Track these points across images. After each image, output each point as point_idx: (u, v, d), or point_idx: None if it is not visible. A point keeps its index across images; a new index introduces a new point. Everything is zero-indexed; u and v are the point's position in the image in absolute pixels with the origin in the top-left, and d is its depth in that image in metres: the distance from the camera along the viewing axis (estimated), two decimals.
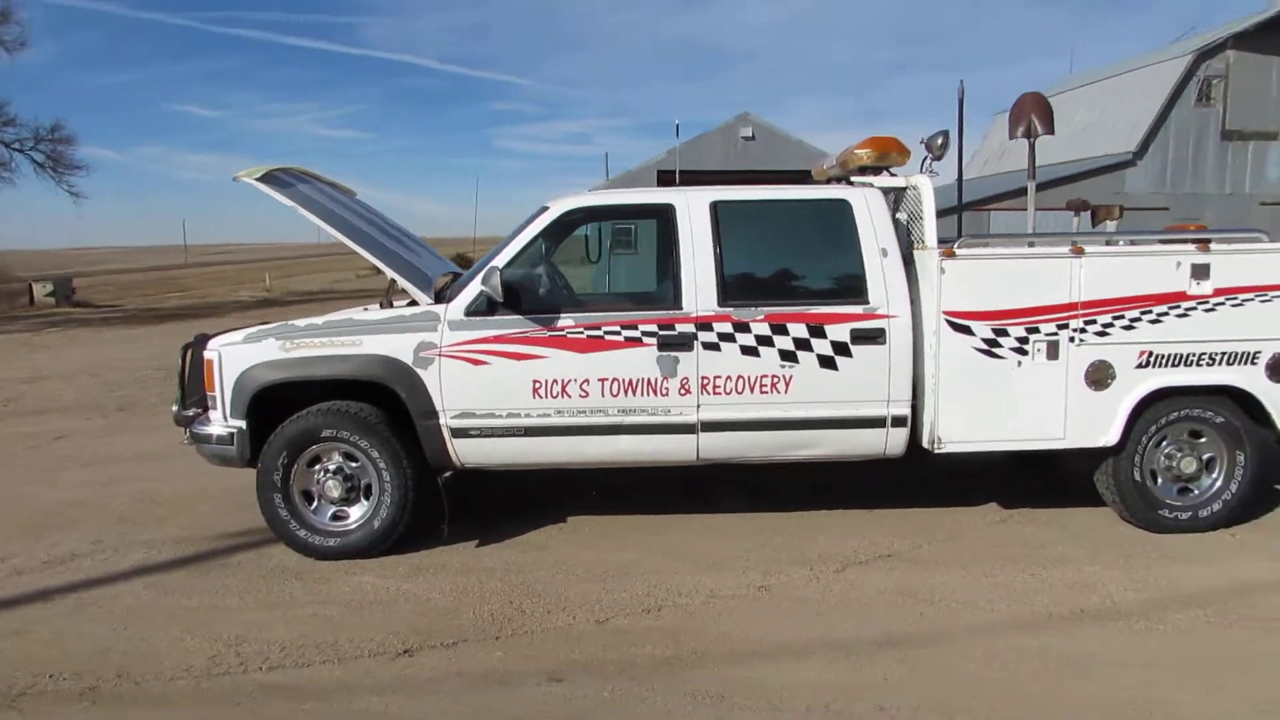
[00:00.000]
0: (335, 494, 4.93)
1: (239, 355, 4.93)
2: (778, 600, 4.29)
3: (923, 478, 6.11)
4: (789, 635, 3.90)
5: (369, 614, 4.21)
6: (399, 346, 4.85)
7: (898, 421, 5.00)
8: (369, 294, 34.36)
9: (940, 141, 5.31)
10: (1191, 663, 3.57)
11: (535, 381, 4.85)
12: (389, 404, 4.94)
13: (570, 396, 4.87)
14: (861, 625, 3.98)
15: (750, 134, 27.10)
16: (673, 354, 4.86)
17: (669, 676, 3.53)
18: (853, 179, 5.44)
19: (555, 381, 4.86)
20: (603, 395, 4.87)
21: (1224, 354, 5.00)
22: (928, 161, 5.43)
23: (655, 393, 4.88)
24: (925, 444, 5.04)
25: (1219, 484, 5.14)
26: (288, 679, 3.59)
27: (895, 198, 5.37)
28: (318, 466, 4.95)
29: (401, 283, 5.08)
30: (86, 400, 11.06)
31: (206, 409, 5.21)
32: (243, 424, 4.90)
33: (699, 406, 4.91)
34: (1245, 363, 5.02)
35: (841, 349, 4.91)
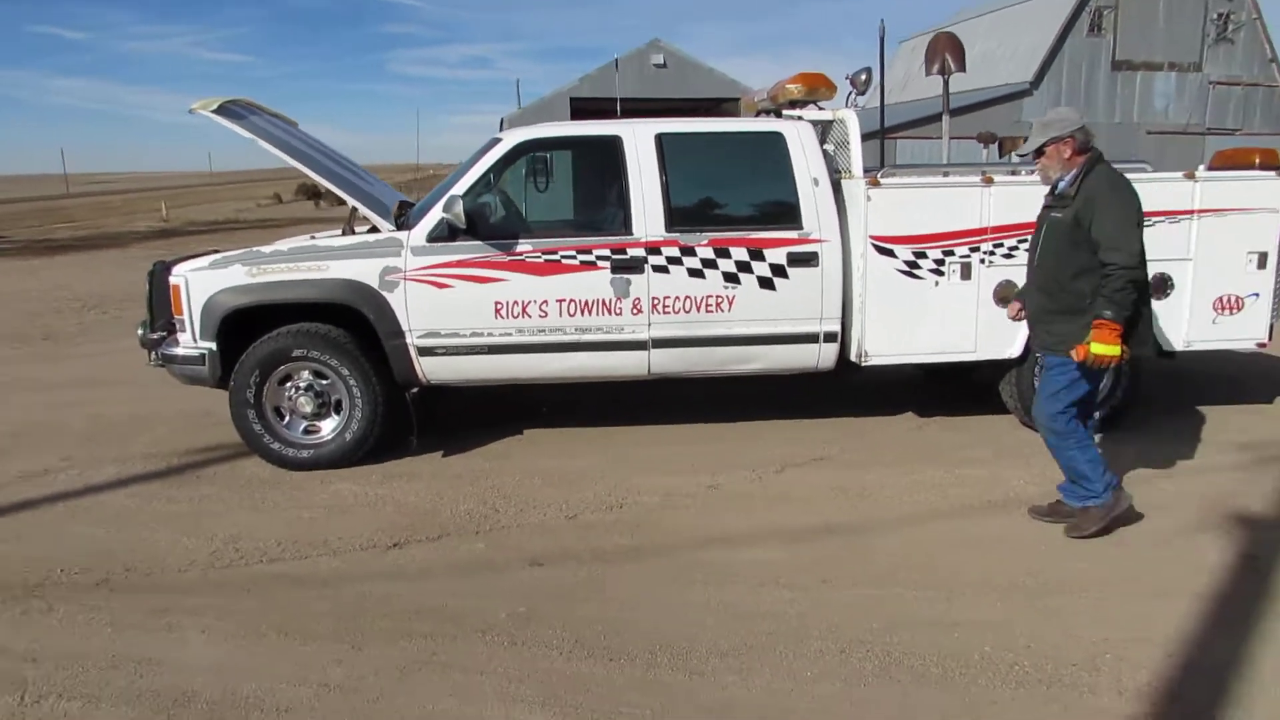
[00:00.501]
0: (307, 409, 5.20)
1: (206, 280, 5.10)
2: (725, 497, 4.80)
3: (848, 391, 6.69)
4: (738, 525, 4.41)
5: (353, 515, 4.55)
6: (365, 271, 5.10)
7: (829, 337, 5.51)
8: (277, 223, 33.45)
9: (864, 78, 5.74)
10: (1077, 541, 4.21)
11: (497, 303, 5.18)
12: (354, 325, 5.20)
13: (530, 316, 5.21)
14: (802, 516, 4.52)
15: (662, 61, 27.13)
16: (625, 276, 5.23)
17: (635, 560, 4.01)
18: (783, 112, 5.83)
19: (515, 303, 5.19)
20: (560, 315, 5.23)
21: None
22: (852, 96, 5.87)
23: (609, 312, 5.26)
24: (853, 358, 5.58)
25: (1106, 389, 5.83)
26: (289, 570, 3.93)
27: (823, 130, 5.79)
28: (289, 384, 5.20)
29: (364, 210, 5.29)
30: (6, 330, 10.82)
31: (173, 332, 5.37)
32: (213, 345, 5.10)
33: (650, 325, 5.32)
34: None
35: (779, 271, 5.36)
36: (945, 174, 5.91)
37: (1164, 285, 5.65)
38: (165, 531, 4.36)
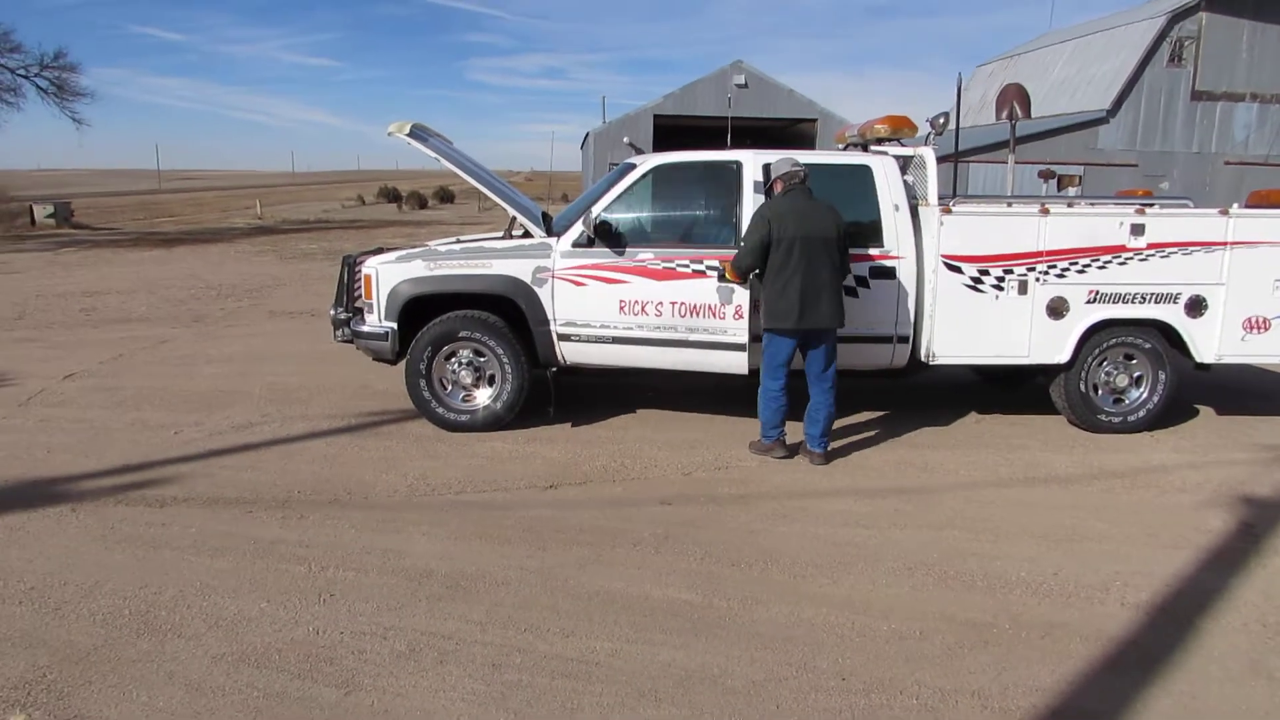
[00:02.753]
0: (466, 381, 6.35)
1: (392, 272, 6.29)
2: (811, 465, 5.80)
3: (917, 393, 7.63)
4: (823, 485, 5.42)
5: (511, 465, 5.67)
6: (521, 269, 6.23)
7: (902, 339, 6.47)
8: (363, 224, 35.23)
9: (943, 121, 6.70)
10: (1106, 509, 5.12)
11: (620, 301, 6.24)
12: (508, 313, 6.33)
13: (647, 314, 6.27)
14: (875, 481, 5.51)
15: (743, 81, 28.20)
16: (729, 284, 6.26)
17: (743, 504, 5.04)
18: (871, 147, 6.83)
19: (636, 302, 6.24)
20: (673, 315, 6.28)
21: (1153, 294, 6.51)
22: (931, 136, 6.83)
23: (714, 315, 6.29)
24: (922, 358, 6.54)
25: (1145, 396, 6.69)
26: (473, 499, 5.05)
27: (904, 163, 6.76)
28: (453, 360, 6.36)
29: (521, 219, 6.44)
30: (159, 313, 12.31)
31: (358, 313, 6.58)
32: (394, 325, 6.29)
33: (749, 328, 6.34)
34: (1169, 302, 6.52)
35: (862, 281, 6.35)
36: (1009, 204, 6.83)
37: (1199, 305, 6.51)
38: (366, 470, 5.53)
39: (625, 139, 28.67)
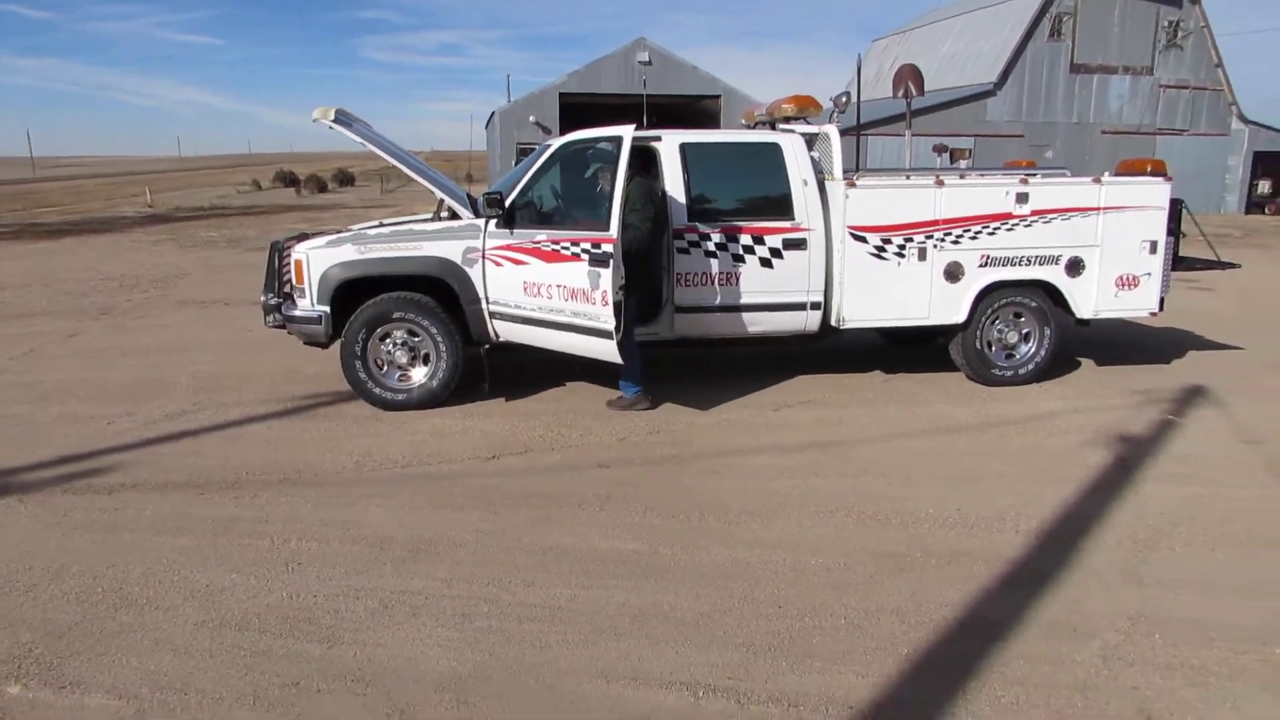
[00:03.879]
0: (402, 361, 6.53)
1: (324, 256, 6.40)
2: (736, 426, 6.21)
3: (828, 357, 8.13)
4: (749, 443, 5.83)
5: (452, 439, 5.90)
6: (452, 250, 6.42)
7: (814, 306, 6.93)
8: (261, 209, 34.28)
9: (845, 100, 7.17)
10: (1002, 452, 5.67)
11: (524, 282, 6.40)
12: (439, 294, 6.52)
13: (542, 296, 6.44)
14: (794, 437, 5.94)
15: (647, 58, 28.46)
16: (596, 269, 6.46)
17: (677, 464, 5.41)
18: (779, 126, 7.24)
19: (534, 284, 6.38)
20: (560, 299, 6.54)
21: (1037, 257, 7.13)
22: (834, 114, 7.28)
23: (587, 300, 6.50)
24: (833, 322, 7.01)
25: (1033, 350, 7.33)
26: (419, 472, 5.28)
27: (810, 140, 7.19)
28: (387, 340, 6.52)
29: (450, 202, 6.62)
30: (61, 307, 11.94)
31: (288, 298, 6.67)
32: (327, 309, 6.41)
33: (673, 295, 6.70)
34: (1051, 264, 7.16)
35: (775, 253, 6.77)
36: (907, 177, 7.33)
37: (1078, 266, 7.16)
38: (311, 451, 5.68)
39: (531, 118, 28.71)
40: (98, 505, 4.75)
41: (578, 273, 5.93)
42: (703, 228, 6.68)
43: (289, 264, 6.65)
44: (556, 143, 6.70)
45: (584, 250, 5.91)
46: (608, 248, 5.78)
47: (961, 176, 7.44)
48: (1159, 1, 30.48)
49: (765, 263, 6.77)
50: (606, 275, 5.78)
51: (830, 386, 7.28)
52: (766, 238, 6.75)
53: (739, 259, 6.74)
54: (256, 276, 14.52)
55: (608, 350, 5.91)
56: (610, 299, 5.80)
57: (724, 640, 3.41)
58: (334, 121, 6.39)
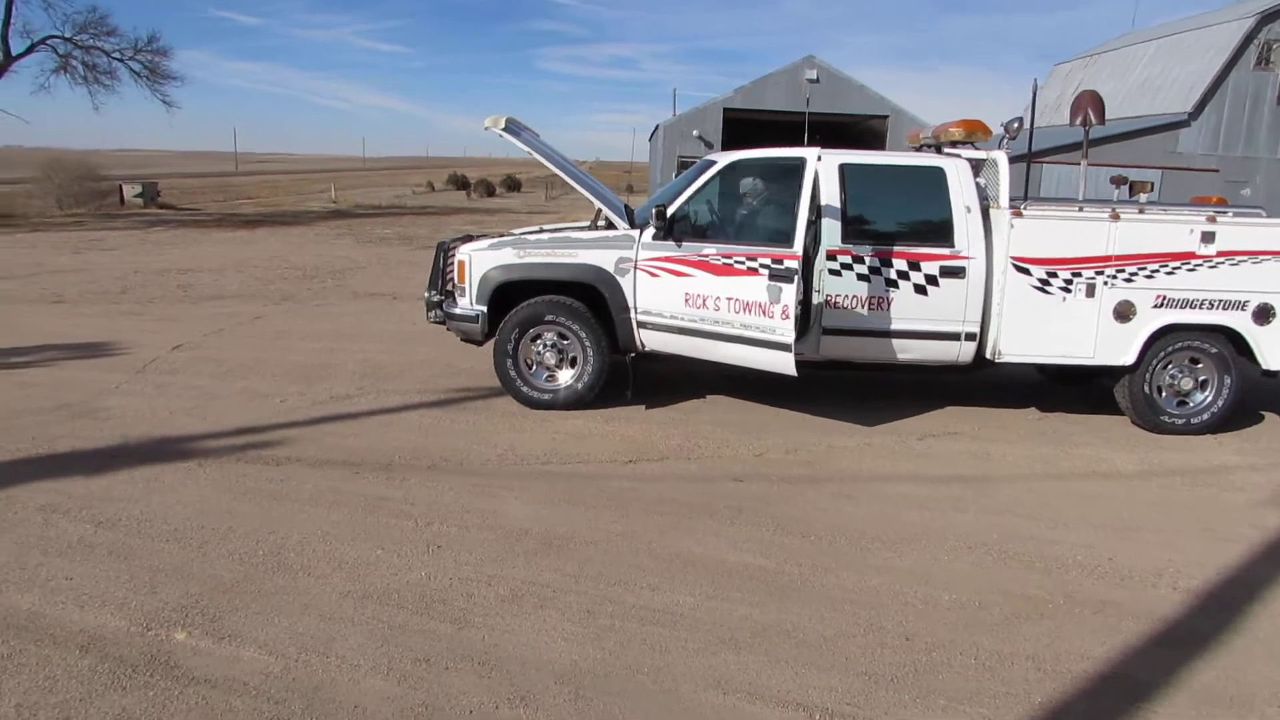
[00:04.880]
0: (550, 362, 6.76)
1: (485, 258, 6.72)
2: (877, 452, 6.08)
3: (980, 387, 7.83)
4: (888, 470, 5.70)
5: (592, 441, 6.06)
6: (605, 259, 6.61)
7: (969, 337, 6.70)
8: (434, 209, 36.07)
9: (1016, 126, 6.90)
10: (1164, 503, 5.31)
11: (686, 294, 6.52)
12: (590, 300, 6.71)
13: (707, 308, 6.51)
14: (937, 468, 5.77)
15: (815, 76, 28.19)
16: (777, 284, 6.48)
17: (812, 484, 5.35)
18: (945, 149, 7.05)
19: (698, 295, 6.48)
20: (729, 310, 6.58)
21: (1221, 301, 6.63)
22: (1005, 140, 7.03)
23: (764, 314, 6.54)
24: (988, 355, 6.75)
25: (1209, 399, 6.81)
26: (558, 470, 5.45)
27: (977, 166, 6.97)
28: (538, 342, 6.77)
29: (606, 212, 6.82)
30: (250, 291, 13.00)
31: (449, 296, 7.04)
32: (484, 309, 6.72)
33: (823, 316, 6.64)
34: (1237, 309, 6.64)
35: (932, 280, 6.59)
36: (1080, 208, 6.98)
37: (1268, 314, 6.61)
38: (459, 440, 5.97)
39: (695, 132, 28.99)
40: (265, 475, 5.16)
41: (754, 287, 6.09)
42: (857, 250, 6.59)
43: (453, 264, 7.01)
44: (723, 160, 6.78)
45: (763, 265, 6.07)
46: (791, 264, 5.92)
47: (1140, 211, 7.02)
48: None
49: (920, 289, 6.60)
50: (789, 290, 5.91)
51: (980, 419, 7.01)
52: (923, 264, 6.58)
53: (892, 284, 6.60)
54: (424, 273, 15.38)
55: (782, 362, 6.02)
56: (791, 313, 5.91)
57: (846, 666, 3.36)
58: (504, 130, 6.70)
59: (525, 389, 6.77)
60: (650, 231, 6.61)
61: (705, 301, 6.40)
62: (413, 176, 78.84)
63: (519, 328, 6.70)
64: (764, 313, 6.07)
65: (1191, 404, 6.86)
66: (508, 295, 6.77)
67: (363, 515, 4.62)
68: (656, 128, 30.83)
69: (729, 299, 6.26)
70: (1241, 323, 6.66)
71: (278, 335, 9.60)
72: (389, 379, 7.63)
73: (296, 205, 39.75)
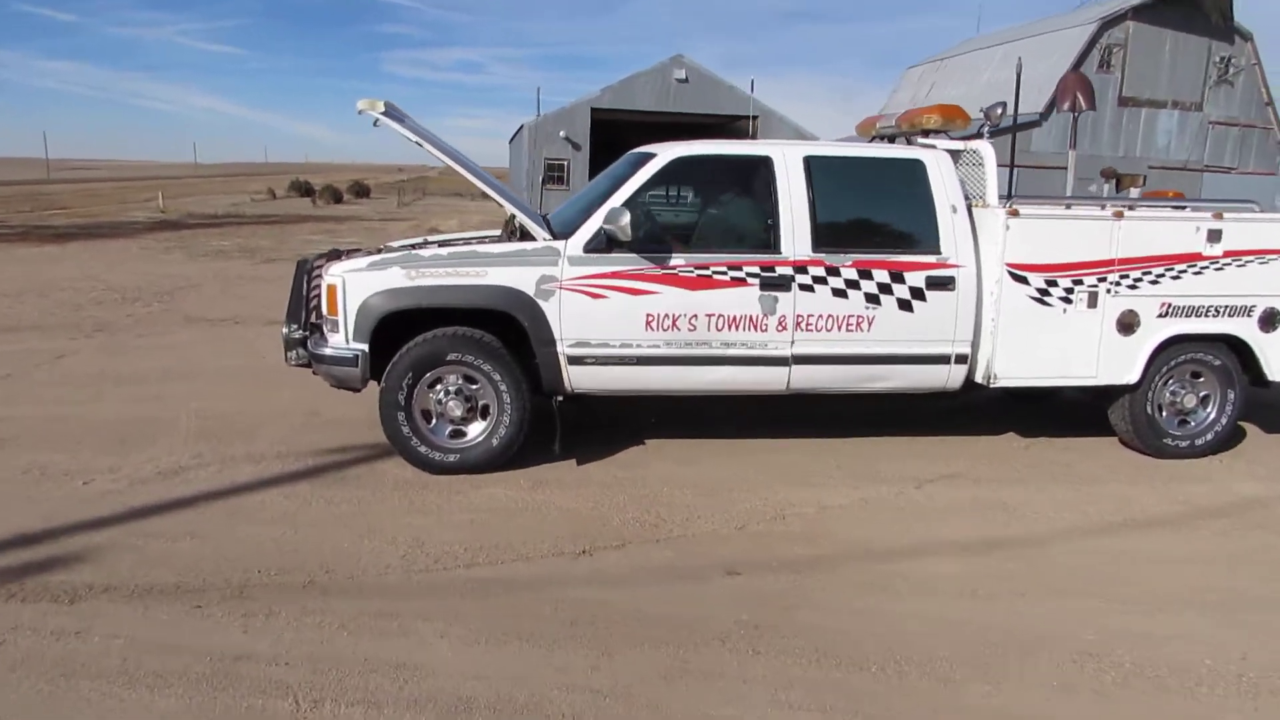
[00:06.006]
0: (456, 413, 5.23)
1: (364, 281, 5.13)
2: (877, 510, 4.91)
3: (930, 408, 6.80)
4: (904, 538, 4.52)
5: (522, 520, 4.60)
6: (522, 278, 5.15)
7: (960, 359, 5.64)
8: (276, 218, 33.23)
9: (1000, 111, 5.91)
10: (1238, 559, 4.37)
11: (648, 315, 5.25)
12: (504, 331, 5.25)
13: (679, 329, 5.29)
14: (959, 530, 4.64)
15: (684, 76, 27.37)
16: (772, 294, 5.33)
17: (829, 572, 4.09)
18: (918, 140, 5.97)
19: (665, 315, 5.26)
20: (708, 329, 5.32)
21: (1226, 307, 5.84)
22: (985, 127, 6.02)
23: (755, 328, 5.35)
24: (979, 379, 5.71)
25: (1212, 417, 6.02)
26: (490, 574, 3.97)
27: (952, 158, 5.93)
28: (438, 387, 5.24)
29: (522, 218, 5.35)
30: (54, 320, 10.70)
31: (316, 331, 5.41)
32: (364, 347, 5.13)
33: (793, 342, 5.42)
34: (1242, 315, 5.87)
35: (918, 294, 5.49)
36: (1068, 206, 6.06)
37: (1274, 319, 5.86)
38: (342, 534, 4.38)
39: (561, 133, 27.61)
40: (53, 624, 3.43)
41: (743, 299, 5.30)
42: (831, 260, 5.40)
43: (320, 288, 5.39)
44: (666, 154, 5.44)
45: (752, 275, 5.29)
46: (784, 270, 5.30)
47: (1130, 209, 6.17)
48: (1211, 37, 29.41)
49: (904, 305, 5.49)
50: (786, 299, 5.32)
51: (966, 453, 5.98)
52: (907, 275, 5.47)
53: (873, 300, 5.45)
54: (271, 291, 13.31)
55: (774, 380, 5.46)
56: (790, 325, 5.34)
57: None
58: (383, 114, 5.15)
59: (423, 449, 5.23)
60: (580, 241, 5.22)
61: (677, 322, 5.22)
62: (252, 183, 73.66)
63: (413, 371, 5.15)
64: (756, 327, 5.34)
65: (1193, 423, 6.06)
66: (396, 329, 5.21)
67: (210, 696, 3.01)
68: (520, 128, 29.25)
69: (710, 315, 5.26)
70: (1247, 330, 5.90)
71: (87, 380, 7.58)
72: (236, 439, 5.89)
73: (118, 215, 35.72)
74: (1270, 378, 5.99)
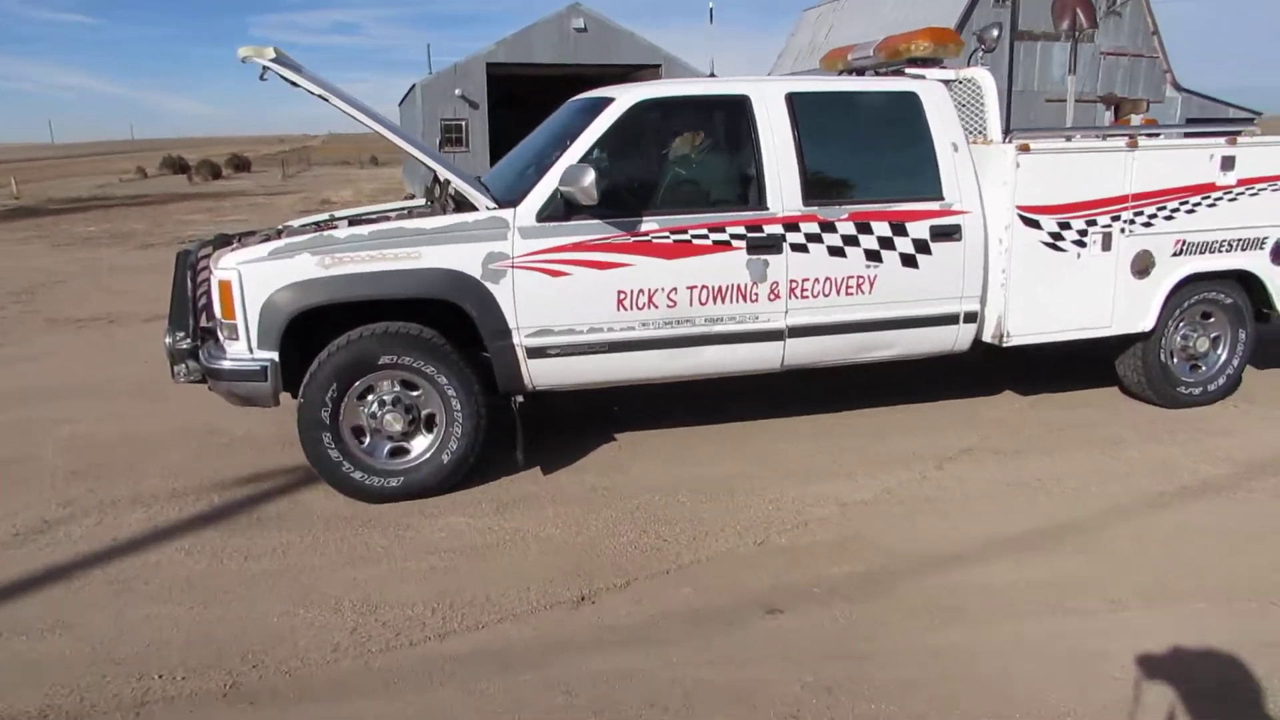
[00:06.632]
0: (396, 427, 4.29)
1: (266, 274, 4.10)
2: (904, 502, 4.22)
3: (908, 369, 6.10)
4: (953, 537, 3.83)
5: (497, 560, 3.72)
6: (466, 258, 4.21)
7: (969, 317, 4.98)
8: (150, 199, 30.76)
9: (996, 34, 5.21)
10: None
11: (620, 292, 4.40)
12: (441, 322, 4.33)
13: (657, 307, 4.45)
14: (1007, 522, 3.98)
15: (582, 25, 26.08)
16: (762, 257, 4.54)
17: (883, 594, 3.37)
18: (906, 70, 5.22)
19: (641, 291, 4.42)
20: (690, 304, 4.50)
21: (1239, 240, 5.34)
22: (978, 54, 5.32)
23: (744, 299, 4.56)
24: (989, 338, 5.07)
25: (1223, 359, 5.56)
26: (474, 645, 3.09)
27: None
28: (370, 398, 4.28)
29: (457, 183, 4.38)
30: None
31: (209, 338, 4.37)
32: (274, 356, 4.12)
33: (787, 312, 4.65)
34: (1255, 248, 5.39)
35: (922, 246, 4.78)
36: (1068, 138, 5.43)
37: None
38: (268, 603, 3.42)
39: (457, 91, 25.99)
40: None
41: (728, 265, 4.50)
42: (824, 214, 4.63)
43: (209, 285, 4.32)
44: (624, 98, 4.53)
45: (736, 236, 4.48)
46: (773, 229, 4.52)
47: (1139, 138, 5.57)
48: None
49: (908, 260, 4.77)
50: (777, 263, 4.55)
51: (971, 419, 5.37)
52: (909, 225, 4.75)
53: (874, 257, 4.72)
54: (147, 282, 11.82)
55: (767, 357, 4.72)
56: (782, 292, 4.57)
57: None
58: (273, 61, 4.08)
59: (358, 474, 4.27)
60: (532, 208, 4.30)
61: (654, 298, 4.38)
62: (119, 163, 68.67)
63: (337, 380, 4.17)
64: (744, 296, 4.57)
65: (1205, 368, 5.58)
66: (309, 328, 4.22)
67: None
68: (412, 88, 27.51)
69: (691, 287, 4.47)
70: (1259, 264, 5.44)
71: None
72: (118, 475, 4.80)
73: None
74: None
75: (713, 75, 5.70)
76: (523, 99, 26.18)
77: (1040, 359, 6.28)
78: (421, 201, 5.83)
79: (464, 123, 25.29)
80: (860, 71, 5.69)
